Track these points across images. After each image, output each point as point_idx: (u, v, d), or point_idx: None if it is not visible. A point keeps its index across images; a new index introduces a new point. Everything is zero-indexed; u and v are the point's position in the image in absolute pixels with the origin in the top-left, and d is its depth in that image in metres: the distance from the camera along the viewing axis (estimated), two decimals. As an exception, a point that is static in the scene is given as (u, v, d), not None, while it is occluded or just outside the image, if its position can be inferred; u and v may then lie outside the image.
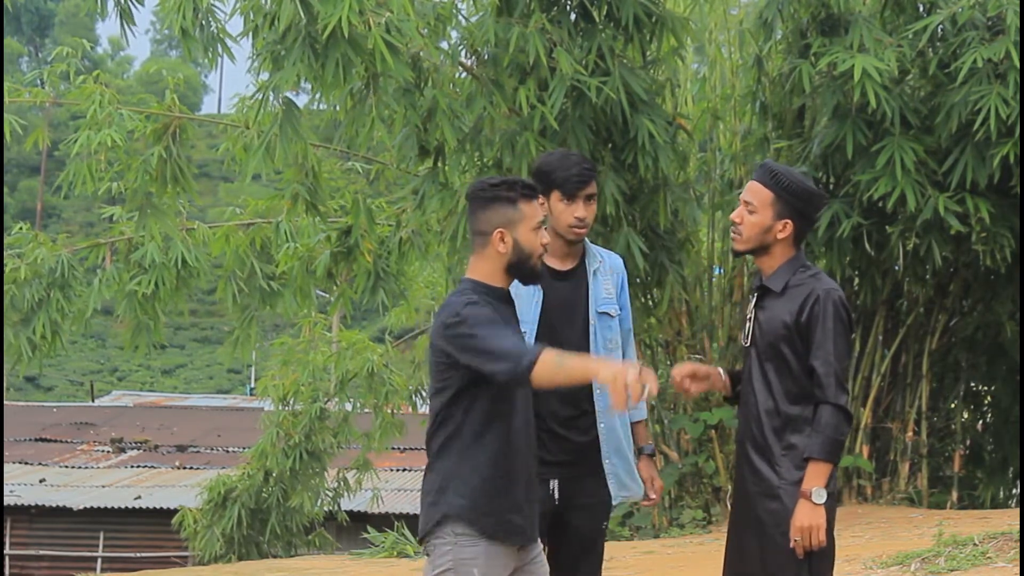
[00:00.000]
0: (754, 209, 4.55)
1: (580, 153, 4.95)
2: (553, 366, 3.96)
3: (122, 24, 9.93)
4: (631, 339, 5.05)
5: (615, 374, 3.82)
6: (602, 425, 4.84)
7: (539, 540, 4.38)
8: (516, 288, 4.38)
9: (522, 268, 4.25)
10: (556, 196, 4.77)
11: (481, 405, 4.19)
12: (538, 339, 4.74)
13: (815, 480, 4.37)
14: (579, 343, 4.81)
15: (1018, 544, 7.48)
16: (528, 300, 4.69)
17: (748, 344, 4.62)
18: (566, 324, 4.80)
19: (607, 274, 4.92)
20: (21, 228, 11.69)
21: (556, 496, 4.78)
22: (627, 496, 4.90)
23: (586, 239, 4.95)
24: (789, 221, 4.53)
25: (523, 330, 4.69)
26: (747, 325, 4.65)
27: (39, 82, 11.72)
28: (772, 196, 4.53)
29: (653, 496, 5.02)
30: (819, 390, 4.40)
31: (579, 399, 4.82)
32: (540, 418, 4.67)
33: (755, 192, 4.56)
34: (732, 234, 4.64)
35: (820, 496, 4.35)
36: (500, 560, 4.20)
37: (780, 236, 4.54)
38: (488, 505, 4.17)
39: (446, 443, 4.20)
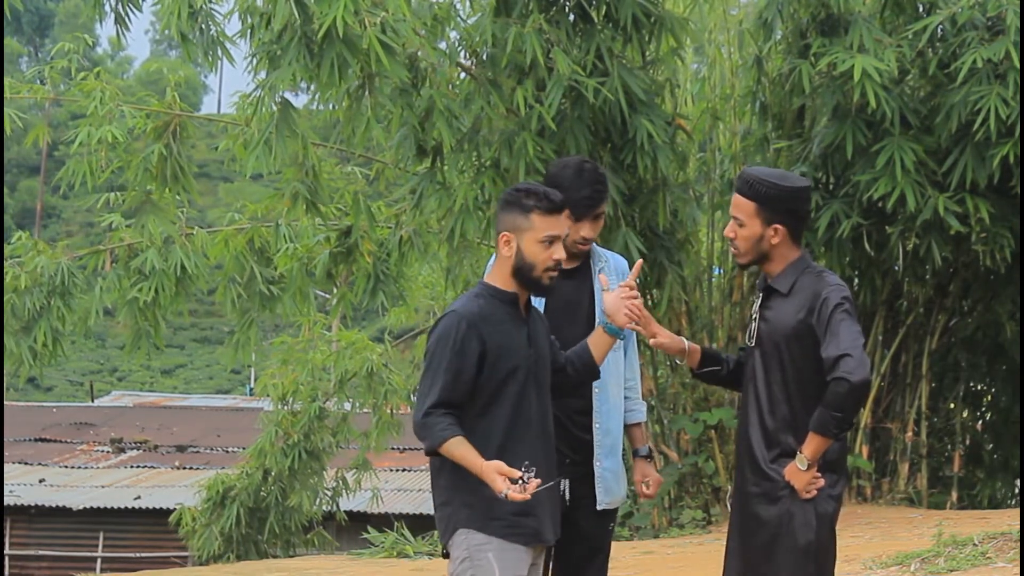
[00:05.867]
0: (743, 222, 4.52)
1: (595, 167, 4.86)
2: (450, 453, 4.17)
3: (117, 28, 9.94)
4: (633, 341, 5.05)
5: (494, 484, 4.07)
6: (598, 425, 4.83)
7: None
8: None
9: (524, 276, 4.31)
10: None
11: (478, 410, 4.23)
12: None
13: (805, 448, 4.39)
14: (582, 341, 4.79)
15: (1018, 544, 7.47)
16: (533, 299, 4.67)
17: (752, 344, 4.60)
18: (570, 322, 4.78)
19: (611, 274, 4.90)
20: (20, 236, 11.66)
21: (567, 496, 4.76)
22: (610, 502, 4.87)
23: None
24: (778, 225, 4.49)
25: None
26: (752, 325, 4.62)
27: (39, 80, 11.69)
28: (755, 206, 4.49)
29: (648, 493, 5.00)
30: (831, 372, 4.32)
31: (589, 394, 4.81)
32: (555, 416, 4.66)
33: (739, 205, 4.53)
34: (731, 250, 4.62)
35: (802, 463, 4.39)
36: (514, 553, 4.23)
37: (775, 241, 4.51)
38: (493, 511, 4.21)
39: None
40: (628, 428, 4.99)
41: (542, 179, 4.95)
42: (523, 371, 4.29)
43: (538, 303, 4.68)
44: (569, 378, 4.52)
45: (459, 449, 4.13)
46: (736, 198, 4.54)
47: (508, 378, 4.25)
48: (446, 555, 4.32)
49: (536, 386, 4.33)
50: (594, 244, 4.93)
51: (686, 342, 4.74)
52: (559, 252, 4.30)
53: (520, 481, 4.04)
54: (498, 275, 4.35)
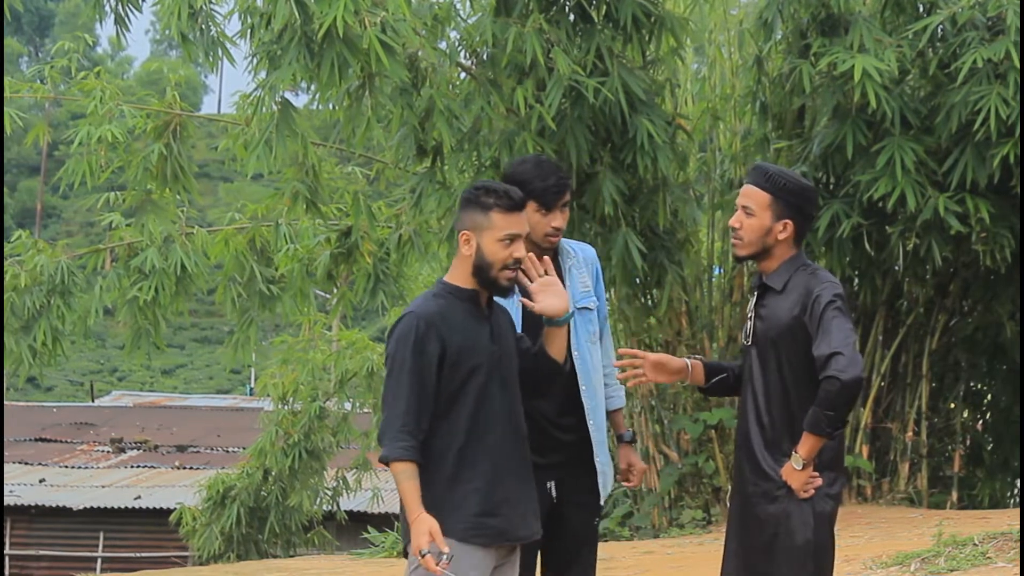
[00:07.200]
0: (752, 212, 4.52)
1: (551, 161, 4.97)
2: (397, 478, 4.15)
3: (117, 29, 9.95)
4: (607, 327, 5.07)
5: (417, 538, 4.07)
6: (591, 423, 4.85)
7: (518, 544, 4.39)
8: None
9: (483, 275, 4.29)
10: (532, 206, 4.72)
11: (440, 411, 4.21)
12: None
13: (800, 447, 4.39)
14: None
15: (1018, 544, 7.47)
16: (509, 304, 4.67)
17: (749, 343, 4.61)
18: (539, 321, 4.78)
19: (581, 267, 4.93)
20: (20, 236, 11.68)
21: (554, 495, 4.79)
22: (607, 493, 4.93)
23: None
24: (789, 221, 4.51)
25: None
26: (747, 324, 4.63)
27: (39, 79, 11.71)
28: (770, 198, 4.51)
29: (632, 480, 5.02)
30: (822, 371, 4.32)
31: (567, 400, 4.82)
32: (532, 420, 4.66)
33: (751, 195, 4.53)
34: (732, 240, 4.61)
35: (797, 462, 4.39)
36: (471, 558, 4.19)
37: (781, 237, 4.52)
38: (455, 513, 4.18)
39: None
40: (610, 414, 5.01)
41: (500, 178, 4.96)
42: (485, 369, 4.26)
43: (515, 309, 4.66)
44: (536, 373, 4.46)
45: (407, 482, 4.11)
46: (749, 188, 4.54)
47: (470, 377, 4.23)
48: (406, 554, 4.27)
49: (500, 383, 4.29)
50: (561, 240, 4.93)
51: (688, 361, 4.72)
52: (519, 251, 4.28)
53: (441, 556, 4.03)
54: (458, 273, 4.32)
